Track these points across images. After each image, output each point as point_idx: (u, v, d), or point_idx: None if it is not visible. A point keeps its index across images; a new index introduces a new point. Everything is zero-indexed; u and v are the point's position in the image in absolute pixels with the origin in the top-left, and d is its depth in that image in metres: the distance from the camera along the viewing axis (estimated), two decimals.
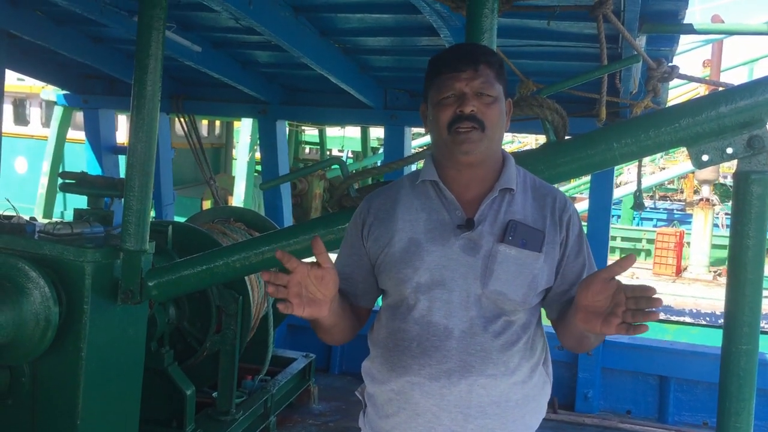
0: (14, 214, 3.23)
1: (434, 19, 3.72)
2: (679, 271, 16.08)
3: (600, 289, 1.61)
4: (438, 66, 1.89)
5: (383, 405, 1.91)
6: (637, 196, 5.12)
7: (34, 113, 14.01)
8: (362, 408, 2.03)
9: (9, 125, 14.17)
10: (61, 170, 11.39)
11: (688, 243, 15.88)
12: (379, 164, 15.77)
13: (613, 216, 19.49)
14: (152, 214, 7.46)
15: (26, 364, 2.92)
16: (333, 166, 4.21)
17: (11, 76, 12.03)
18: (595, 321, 1.63)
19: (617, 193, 14.70)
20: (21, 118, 14.24)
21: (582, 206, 13.33)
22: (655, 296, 1.56)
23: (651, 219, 22.16)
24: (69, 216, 11.84)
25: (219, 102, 6.54)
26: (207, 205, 11.39)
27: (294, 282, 1.66)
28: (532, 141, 19.72)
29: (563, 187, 19.49)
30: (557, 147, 2.50)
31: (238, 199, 10.45)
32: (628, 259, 1.61)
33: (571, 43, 3.94)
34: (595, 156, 2.43)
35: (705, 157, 2.32)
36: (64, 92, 7.14)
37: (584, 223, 2.74)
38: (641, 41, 3.74)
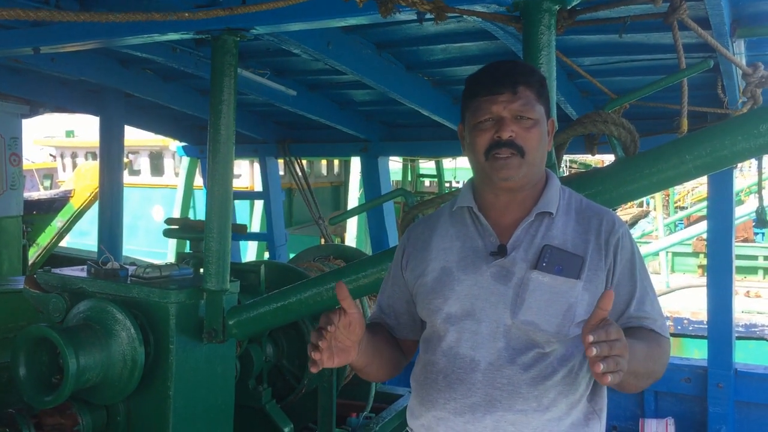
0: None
1: (511, 42, 3.63)
2: None
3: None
4: (474, 87, 1.82)
5: None
6: (760, 212, 4.73)
7: (168, 164, 14.97)
8: None
9: (147, 176, 15.25)
10: (192, 217, 12.08)
11: None
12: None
13: (757, 234, 18.16)
14: (266, 254, 7.72)
15: (121, 403, 3.06)
16: (416, 197, 4.17)
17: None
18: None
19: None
20: (158, 169, 15.25)
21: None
22: (591, 339, 1.43)
23: None
24: None
25: (322, 143, 6.69)
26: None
27: (327, 336, 1.64)
28: None
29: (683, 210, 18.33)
30: (624, 164, 2.35)
31: (351, 235, 10.60)
32: (605, 297, 1.49)
33: (657, 55, 3.73)
34: (667, 171, 2.26)
35: None
36: (183, 144, 7.56)
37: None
38: (738, 46, 3.48)
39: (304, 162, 7.17)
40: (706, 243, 6.33)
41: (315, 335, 1.63)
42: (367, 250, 9.23)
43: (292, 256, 6.05)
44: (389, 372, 1.94)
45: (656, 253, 14.01)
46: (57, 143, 17.97)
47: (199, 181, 10.86)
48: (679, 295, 12.02)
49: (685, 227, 16.42)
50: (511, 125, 1.73)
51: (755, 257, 15.09)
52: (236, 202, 8.01)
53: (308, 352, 1.64)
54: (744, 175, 20.39)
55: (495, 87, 1.76)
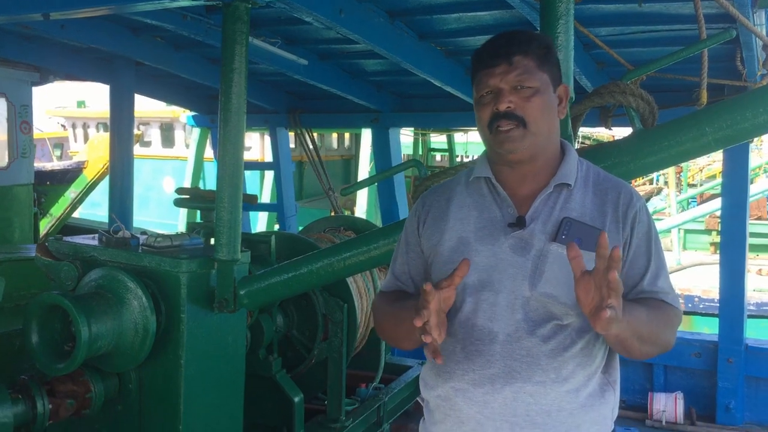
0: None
1: (527, 11, 3.57)
2: None
3: (585, 287, 1.50)
4: (475, 62, 1.84)
5: (433, 411, 1.86)
6: None
7: (178, 136, 14.95)
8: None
9: (158, 148, 15.24)
10: (202, 187, 12.07)
11: None
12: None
13: None
14: (276, 226, 7.71)
15: (133, 372, 3.07)
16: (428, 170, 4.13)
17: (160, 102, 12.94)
18: (596, 323, 1.49)
19: None
20: (168, 141, 15.24)
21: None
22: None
23: None
24: None
25: (333, 113, 6.64)
26: None
27: (434, 312, 1.61)
28: None
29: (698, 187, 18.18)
30: (642, 136, 2.31)
31: (361, 208, 10.58)
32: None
33: (676, 26, 3.66)
34: (686, 143, 2.22)
35: None
36: (193, 113, 7.53)
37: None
38: (759, 17, 3.41)
39: (315, 135, 7.14)
40: (719, 220, 6.29)
41: (421, 319, 1.59)
42: (377, 223, 9.22)
43: (301, 228, 6.05)
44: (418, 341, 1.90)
45: (668, 231, 13.96)
46: (69, 113, 17.98)
47: (209, 153, 10.85)
48: (691, 273, 11.98)
49: (698, 204, 16.33)
50: (509, 96, 1.73)
51: None
52: (246, 173, 7.96)
53: (420, 337, 1.60)
54: (760, 153, 20.17)
55: (490, 60, 1.77)
